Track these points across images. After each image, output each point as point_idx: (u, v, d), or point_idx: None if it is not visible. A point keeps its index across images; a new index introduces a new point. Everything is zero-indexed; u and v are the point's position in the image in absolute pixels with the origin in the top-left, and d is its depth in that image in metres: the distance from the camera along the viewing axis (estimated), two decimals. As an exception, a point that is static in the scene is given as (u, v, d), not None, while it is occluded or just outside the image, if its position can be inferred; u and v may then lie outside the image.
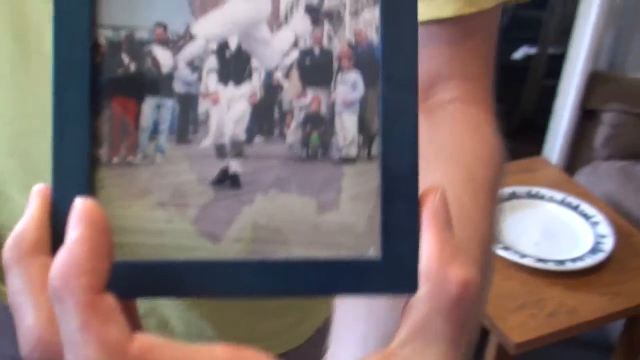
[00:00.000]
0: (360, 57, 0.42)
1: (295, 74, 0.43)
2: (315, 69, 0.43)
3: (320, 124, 0.43)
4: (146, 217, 0.42)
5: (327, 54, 0.43)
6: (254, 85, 0.43)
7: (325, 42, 0.43)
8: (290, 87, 0.43)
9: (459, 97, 0.69)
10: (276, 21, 0.42)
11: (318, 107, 0.43)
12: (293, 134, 0.43)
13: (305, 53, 0.43)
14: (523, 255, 2.10)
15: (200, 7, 0.42)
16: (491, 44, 0.73)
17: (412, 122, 0.41)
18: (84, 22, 0.41)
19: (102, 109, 0.42)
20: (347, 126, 0.43)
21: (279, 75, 0.43)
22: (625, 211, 2.61)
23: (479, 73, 0.72)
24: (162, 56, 0.42)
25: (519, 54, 3.58)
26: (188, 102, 0.42)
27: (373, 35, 0.42)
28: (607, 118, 2.93)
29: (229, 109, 0.43)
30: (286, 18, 0.43)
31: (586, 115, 2.98)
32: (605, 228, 2.26)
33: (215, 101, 0.43)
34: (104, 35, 0.42)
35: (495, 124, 0.71)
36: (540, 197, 2.38)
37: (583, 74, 2.87)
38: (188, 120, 0.42)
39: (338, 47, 0.43)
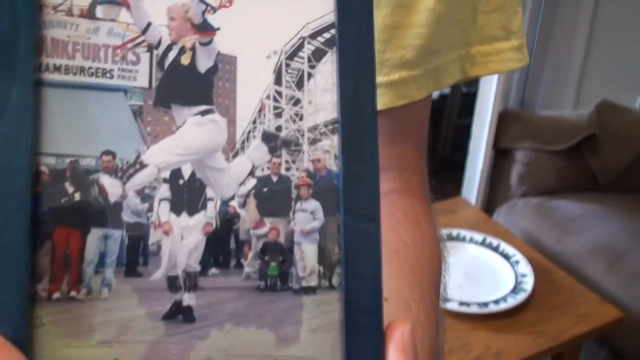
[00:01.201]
0: (319, 185, 0.41)
1: (252, 203, 0.41)
2: (273, 198, 0.41)
3: (278, 254, 0.41)
4: (89, 357, 0.39)
5: (285, 183, 0.41)
6: (208, 215, 0.41)
7: (283, 170, 0.41)
8: (247, 216, 0.41)
9: (395, 188, 0.68)
10: (232, 149, 0.41)
11: (276, 237, 0.41)
12: (250, 264, 0.41)
13: (263, 182, 0.41)
14: (447, 300, 2.11)
15: (152, 134, 0.40)
16: (424, 132, 0.72)
17: (375, 253, 0.40)
18: (23, 150, 0.39)
19: (42, 241, 0.39)
20: (306, 256, 0.41)
21: (235, 205, 0.41)
22: (543, 247, 2.66)
23: (415, 162, 0.71)
24: (110, 185, 0.40)
25: (434, 93, 3.62)
26: (138, 233, 0.40)
27: (332, 164, 0.41)
28: (520, 156, 2.99)
29: (182, 239, 0.41)
30: (242, 146, 0.41)
31: (501, 154, 3.04)
32: (525, 267, 2.30)
33: (168, 232, 0.41)
34: (46, 163, 0.39)
35: (431, 213, 0.71)
36: (462, 239, 2.41)
37: (494, 113, 2.93)
38: (138, 252, 0.40)
39: (296, 175, 0.41)
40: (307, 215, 0.41)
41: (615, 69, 3.22)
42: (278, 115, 0.41)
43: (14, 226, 0.38)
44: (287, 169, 0.41)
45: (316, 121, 0.41)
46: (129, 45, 0.40)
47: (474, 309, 2.11)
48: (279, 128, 0.41)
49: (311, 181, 0.41)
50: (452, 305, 2.10)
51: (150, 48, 0.40)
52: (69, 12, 0.40)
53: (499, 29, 0.67)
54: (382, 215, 0.63)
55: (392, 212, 0.66)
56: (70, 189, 0.40)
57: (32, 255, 0.39)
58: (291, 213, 0.41)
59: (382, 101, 0.62)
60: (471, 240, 2.41)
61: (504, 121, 3.01)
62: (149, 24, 0.40)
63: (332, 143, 0.41)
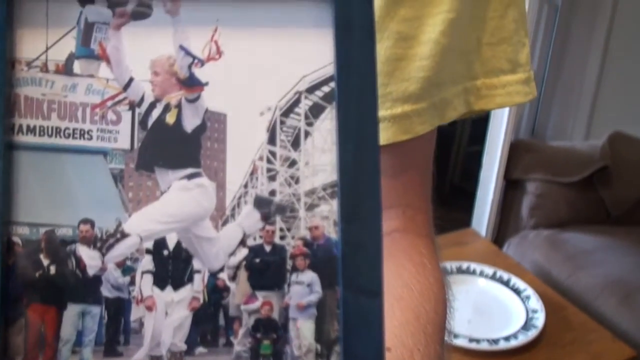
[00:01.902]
0: (317, 255, 0.37)
1: (243, 275, 0.37)
2: (266, 269, 0.37)
3: (272, 331, 0.37)
4: None
5: (279, 253, 0.38)
6: (195, 289, 0.37)
7: (277, 239, 0.38)
8: (238, 290, 0.37)
9: (399, 227, 0.65)
10: (221, 216, 0.37)
11: (269, 312, 0.38)
12: (241, 342, 0.37)
13: (255, 252, 0.37)
14: (456, 335, 2.07)
15: (134, 200, 0.37)
16: (429, 168, 0.70)
17: (377, 332, 0.37)
18: None
19: (15, 318, 0.36)
20: (302, 333, 0.38)
21: (224, 277, 0.37)
22: (555, 281, 2.62)
23: (419, 199, 0.68)
24: (88, 257, 0.37)
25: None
26: (118, 309, 0.37)
27: (331, 231, 0.38)
28: (532, 187, 2.95)
29: (166, 315, 0.37)
30: (233, 212, 0.37)
31: (512, 185, 3.00)
32: (536, 302, 2.25)
33: (151, 307, 0.37)
34: (19, 233, 0.36)
35: (436, 254, 0.68)
36: (472, 273, 2.36)
37: (505, 144, 2.89)
38: (118, 330, 0.37)
39: (292, 244, 0.38)
40: (304, 288, 0.37)
41: (627, 99, 3.19)
42: (272, 178, 0.38)
43: None
44: (282, 238, 0.38)
45: (314, 184, 0.38)
46: (109, 103, 0.37)
47: (484, 346, 2.06)
48: (272, 192, 0.38)
49: (308, 251, 0.38)
50: (461, 342, 2.05)
51: (132, 106, 0.37)
52: (44, 68, 0.37)
53: (505, 62, 0.65)
54: (385, 257, 0.59)
55: (394, 253, 0.63)
56: (45, 261, 0.36)
57: (4, 334, 0.35)
58: (286, 286, 0.38)
59: (385, 136, 0.60)
60: (481, 274, 2.36)
61: (515, 152, 2.97)
62: (130, 80, 0.37)
63: (331, 208, 0.37)
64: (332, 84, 0.37)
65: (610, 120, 3.12)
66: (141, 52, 0.37)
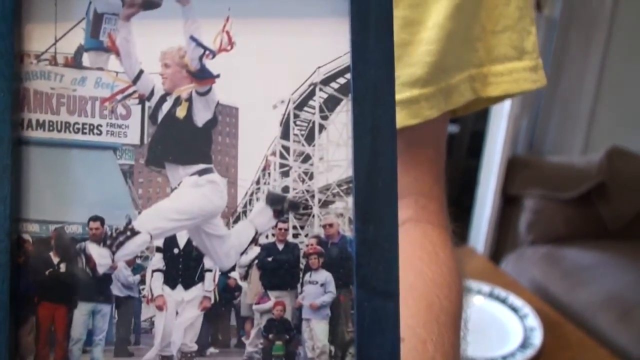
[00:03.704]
0: (331, 254, 0.36)
1: (255, 274, 0.36)
2: (279, 268, 0.36)
3: (284, 332, 0.36)
4: None
5: (292, 251, 0.37)
6: (206, 288, 0.36)
7: (290, 237, 0.37)
8: (250, 289, 0.36)
9: (411, 217, 0.64)
10: (233, 213, 0.36)
11: (282, 312, 0.36)
12: (253, 343, 0.36)
13: (267, 250, 0.36)
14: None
15: (144, 197, 0.36)
16: (441, 157, 0.69)
17: (393, 334, 0.35)
18: (2, 217, 0.34)
19: (25, 317, 0.35)
20: (316, 334, 0.36)
21: (236, 276, 0.36)
22: (552, 298, 2.60)
23: (431, 187, 0.67)
24: (98, 255, 0.36)
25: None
26: (129, 308, 0.36)
27: (346, 229, 0.37)
28: (529, 203, 2.95)
29: (177, 315, 0.36)
30: (245, 209, 0.37)
31: (509, 201, 2.99)
32: (533, 320, 2.24)
33: (161, 307, 0.36)
34: (29, 231, 0.35)
35: (450, 243, 0.67)
36: (468, 290, 2.35)
37: (503, 160, 2.89)
38: (129, 329, 0.36)
39: (305, 242, 0.37)
40: (317, 288, 0.36)
41: (625, 113, 3.19)
42: (285, 174, 0.37)
43: None
44: (295, 236, 0.37)
45: (328, 180, 0.37)
46: (119, 96, 0.36)
47: (482, 364, 2.04)
48: (285, 189, 0.37)
49: (322, 249, 0.37)
50: (460, 360, 2.03)
51: (142, 99, 0.36)
52: (53, 61, 0.36)
53: (510, 49, 0.64)
54: None
55: (407, 242, 0.62)
56: (55, 259, 0.35)
57: (15, 333, 0.34)
58: (299, 285, 0.37)
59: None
60: (479, 292, 2.34)
61: (512, 168, 2.97)
62: (140, 72, 0.36)
63: (346, 205, 0.37)
64: (348, 75, 0.36)
65: (608, 134, 3.12)
66: (151, 43, 0.36)
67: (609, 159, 2.86)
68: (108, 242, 0.36)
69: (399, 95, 0.57)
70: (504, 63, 0.65)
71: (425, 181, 0.67)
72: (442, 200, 0.69)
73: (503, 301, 2.33)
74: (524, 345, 2.14)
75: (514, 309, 2.30)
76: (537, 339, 2.16)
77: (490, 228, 2.95)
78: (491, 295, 2.34)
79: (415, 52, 0.59)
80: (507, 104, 2.81)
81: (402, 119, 0.60)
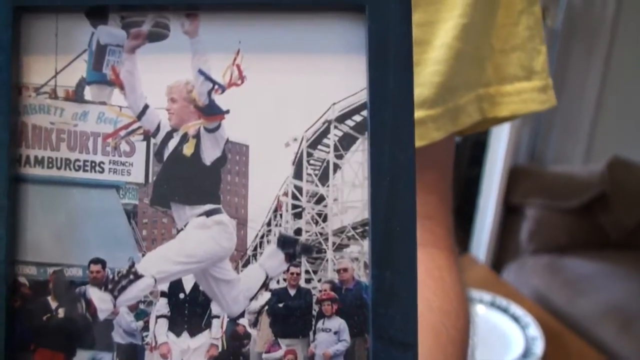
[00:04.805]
0: (345, 300, 0.35)
1: (265, 321, 0.35)
2: (290, 315, 0.35)
3: (296, 382, 0.35)
4: None
5: (304, 297, 0.35)
6: (213, 336, 0.34)
7: (302, 282, 0.35)
8: (260, 337, 0.34)
9: (418, 241, 0.63)
10: (242, 256, 0.34)
11: (294, 362, 0.35)
12: (263, 394, 0.34)
13: (278, 296, 0.35)
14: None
15: (148, 239, 0.34)
16: (448, 180, 0.67)
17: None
18: None
19: None
20: (329, 384, 0.35)
21: (245, 323, 0.34)
22: (554, 308, 2.59)
23: (437, 209, 0.66)
24: (99, 299, 0.34)
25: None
26: (131, 356, 0.34)
27: (361, 274, 0.35)
28: (530, 212, 2.94)
29: (182, 364, 0.34)
30: (255, 253, 0.35)
31: (510, 210, 2.98)
32: (535, 330, 2.23)
33: (165, 355, 0.34)
34: (26, 273, 0.33)
35: (457, 267, 0.65)
36: (471, 302, 2.33)
37: (504, 169, 2.88)
38: (130, 379, 0.34)
39: (318, 288, 0.35)
40: (331, 336, 0.35)
41: (626, 123, 3.18)
42: (297, 215, 0.35)
43: None
44: (308, 281, 0.35)
45: (343, 223, 0.35)
46: (122, 132, 0.34)
47: (483, 376, 2.03)
48: (298, 231, 0.35)
49: (336, 295, 0.35)
50: (461, 371, 2.02)
51: (147, 136, 0.34)
52: (53, 95, 0.34)
53: (519, 69, 0.63)
54: None
55: None
56: (53, 304, 0.34)
57: None
58: (311, 333, 0.35)
59: None
60: (480, 301, 2.33)
61: (514, 177, 2.97)
62: (145, 107, 0.34)
63: (361, 249, 0.35)
64: (365, 113, 0.34)
65: (609, 144, 3.11)
66: (157, 77, 0.34)
67: (611, 169, 2.85)
68: (110, 286, 0.34)
69: None
70: (513, 83, 0.64)
71: (431, 203, 0.65)
72: (449, 221, 0.68)
73: (504, 310, 2.32)
74: (526, 354, 2.13)
75: (516, 319, 2.29)
76: (539, 348, 2.15)
77: (492, 237, 2.94)
78: (493, 305, 2.33)
79: (423, 73, 0.58)
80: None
81: None
